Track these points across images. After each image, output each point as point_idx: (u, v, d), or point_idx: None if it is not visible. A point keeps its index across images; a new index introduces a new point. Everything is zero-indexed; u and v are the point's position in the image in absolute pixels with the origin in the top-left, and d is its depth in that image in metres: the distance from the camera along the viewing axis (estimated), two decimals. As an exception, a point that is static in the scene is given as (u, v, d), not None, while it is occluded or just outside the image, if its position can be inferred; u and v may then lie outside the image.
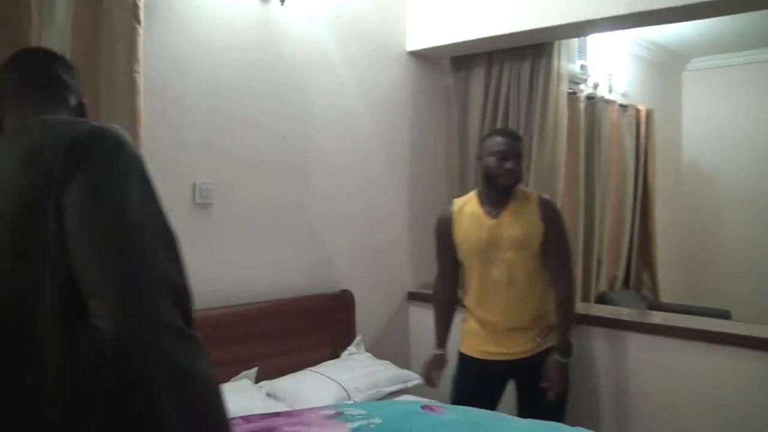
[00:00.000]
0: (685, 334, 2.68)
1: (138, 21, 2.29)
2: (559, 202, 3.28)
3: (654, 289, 4.78)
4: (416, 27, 3.48)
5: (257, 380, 2.61)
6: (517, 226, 2.51)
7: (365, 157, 3.31)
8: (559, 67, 3.38)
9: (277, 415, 1.86)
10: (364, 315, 3.21)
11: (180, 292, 0.94)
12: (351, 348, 3.00)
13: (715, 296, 4.78)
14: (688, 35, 4.78)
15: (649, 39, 4.96)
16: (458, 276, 2.71)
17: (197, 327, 2.58)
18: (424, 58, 3.58)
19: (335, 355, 2.96)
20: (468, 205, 2.61)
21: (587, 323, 2.88)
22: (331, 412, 1.76)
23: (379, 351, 3.08)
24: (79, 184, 0.91)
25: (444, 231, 2.64)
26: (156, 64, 2.45)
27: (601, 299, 4.21)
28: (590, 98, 4.32)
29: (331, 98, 3.13)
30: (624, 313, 3.15)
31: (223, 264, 2.71)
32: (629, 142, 4.68)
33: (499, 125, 3.43)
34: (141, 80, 2.31)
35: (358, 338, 3.06)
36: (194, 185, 2.61)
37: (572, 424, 2.42)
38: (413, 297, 3.55)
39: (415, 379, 2.82)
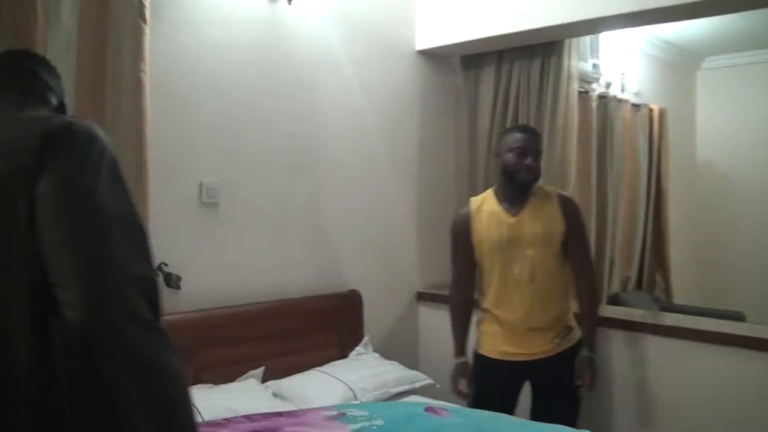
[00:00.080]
0: (699, 336, 2.64)
1: (144, 20, 2.29)
2: (570, 201, 3.24)
3: (667, 290, 4.73)
4: (425, 26, 3.47)
5: (264, 380, 2.61)
6: (539, 223, 2.49)
7: (374, 157, 3.30)
8: (569, 65, 3.35)
9: (279, 414, 1.85)
10: (373, 315, 3.19)
11: (148, 285, 0.94)
12: (359, 348, 2.98)
13: (728, 297, 4.72)
14: (702, 34, 4.73)
15: (662, 38, 4.91)
16: (474, 278, 2.65)
17: (201, 326, 2.59)
18: (434, 57, 3.57)
19: (343, 356, 2.95)
20: (486, 204, 2.58)
21: (600, 324, 2.84)
22: (334, 413, 1.75)
23: (387, 351, 3.07)
24: (50, 176, 0.91)
25: (462, 230, 2.59)
26: (162, 63, 2.45)
27: (614, 300, 4.16)
28: (602, 97, 4.28)
29: (339, 97, 3.12)
30: (637, 314, 3.11)
31: (230, 263, 2.70)
32: (642, 142, 4.63)
33: (509, 124, 3.40)
34: (147, 79, 2.31)
35: (366, 338, 3.04)
36: (201, 184, 2.61)
37: (586, 426, 2.40)
38: (422, 297, 3.53)
39: (422, 379, 2.80)
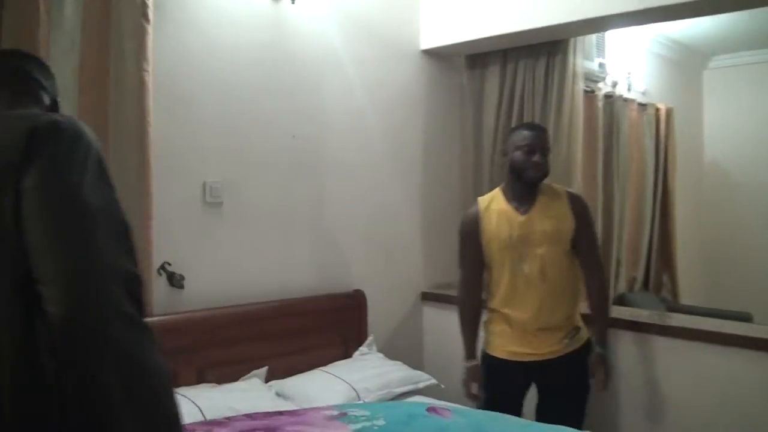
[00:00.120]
0: (705, 336, 2.62)
1: (147, 20, 2.30)
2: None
3: (674, 290, 4.71)
4: (430, 25, 3.46)
5: (267, 379, 2.60)
6: (549, 220, 2.48)
7: (378, 156, 3.29)
8: (574, 64, 3.33)
9: (280, 413, 1.84)
10: (377, 315, 3.18)
11: (131, 280, 0.94)
12: (363, 348, 2.97)
13: (735, 298, 4.68)
14: (708, 32, 4.70)
15: (669, 37, 4.89)
16: (483, 280, 2.62)
17: (204, 326, 2.59)
18: (438, 56, 3.56)
19: (347, 356, 2.94)
20: (494, 203, 2.56)
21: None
22: (335, 412, 1.74)
23: (391, 351, 3.06)
24: (36, 171, 0.92)
25: (471, 230, 2.56)
26: (165, 62, 2.45)
27: (621, 301, 4.14)
28: (609, 97, 4.27)
29: (342, 97, 3.11)
30: (643, 315, 3.09)
31: (233, 263, 2.70)
32: (649, 142, 4.61)
33: (514, 124, 3.38)
34: (150, 79, 2.32)
35: (370, 338, 3.03)
36: (204, 184, 2.61)
37: (592, 427, 2.39)
38: (427, 297, 3.52)
39: (426, 380, 2.79)
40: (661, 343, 2.72)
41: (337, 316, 3.00)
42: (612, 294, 4.06)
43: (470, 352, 2.62)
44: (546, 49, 3.33)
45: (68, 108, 2.18)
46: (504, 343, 2.53)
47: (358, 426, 1.63)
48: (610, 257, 4.08)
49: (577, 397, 2.56)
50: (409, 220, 3.48)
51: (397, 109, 3.39)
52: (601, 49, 4.21)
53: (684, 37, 4.91)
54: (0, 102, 1.13)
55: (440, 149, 3.60)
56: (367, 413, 1.73)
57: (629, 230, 4.39)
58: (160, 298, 2.43)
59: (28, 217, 0.90)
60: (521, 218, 2.48)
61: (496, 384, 2.56)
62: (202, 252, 2.61)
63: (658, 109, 4.71)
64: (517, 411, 2.50)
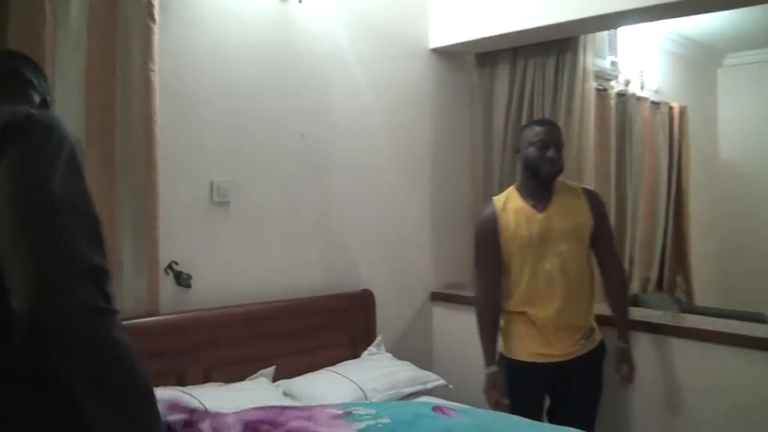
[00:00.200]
0: (718, 338, 2.58)
1: (153, 19, 2.30)
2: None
3: (688, 291, 4.65)
4: (439, 23, 3.44)
5: (275, 379, 2.59)
6: (567, 217, 2.46)
7: (386, 156, 3.28)
8: (584, 62, 3.30)
9: (284, 408, 1.85)
10: (386, 315, 3.17)
11: (99, 273, 0.94)
12: (371, 348, 2.96)
13: (751, 299, 4.62)
14: (722, 29, 4.65)
15: (682, 34, 4.84)
16: (500, 283, 2.55)
17: (211, 325, 2.58)
18: (448, 54, 3.54)
19: (355, 356, 2.92)
20: (510, 202, 2.53)
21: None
22: (340, 411, 1.73)
23: (400, 352, 3.04)
24: (6, 163, 0.93)
25: (490, 230, 2.51)
26: (172, 62, 2.45)
27: (634, 302, 4.10)
28: (621, 95, 4.24)
29: (350, 97, 3.10)
30: (657, 316, 3.05)
31: (241, 262, 2.70)
32: (662, 141, 4.57)
33: (524, 122, 3.35)
34: (156, 78, 2.32)
35: (379, 338, 3.02)
36: (212, 183, 2.61)
37: (605, 428, 2.36)
38: (436, 297, 3.49)
39: (435, 380, 2.77)
40: (674, 344, 2.69)
41: (345, 316, 2.99)
42: (625, 294, 4.02)
43: (491, 358, 2.53)
44: (556, 47, 3.31)
45: (75, 108, 2.19)
46: (527, 345, 2.48)
47: (363, 425, 1.62)
48: (623, 257, 4.04)
49: (590, 400, 2.54)
50: (419, 219, 3.46)
51: (406, 109, 3.37)
52: (613, 48, 4.17)
53: (697, 34, 4.86)
54: None
55: (449, 148, 3.58)
56: (372, 411, 1.71)
57: (643, 229, 4.35)
58: (167, 297, 2.43)
59: None
60: (540, 216, 2.46)
61: (522, 389, 2.49)
62: (209, 251, 2.60)
63: (671, 108, 4.67)
64: (539, 415, 2.48)
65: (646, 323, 2.77)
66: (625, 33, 4.26)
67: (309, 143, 2.94)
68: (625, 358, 2.55)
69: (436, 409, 1.83)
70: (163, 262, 2.42)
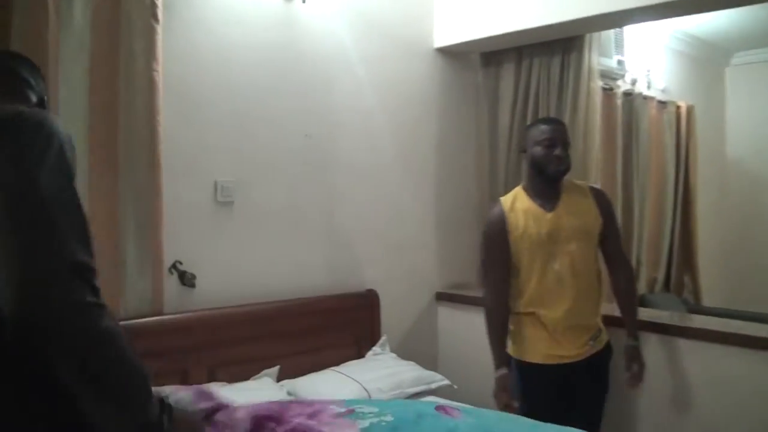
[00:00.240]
0: (725, 338, 2.56)
1: (156, 19, 2.31)
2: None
3: (695, 292, 4.62)
4: (444, 23, 3.44)
5: (279, 379, 2.59)
6: (576, 216, 2.46)
7: (391, 155, 3.27)
8: (590, 61, 3.29)
9: (291, 402, 1.86)
10: (391, 315, 3.16)
11: (86, 270, 0.94)
12: (376, 348, 2.95)
13: (757, 298, 4.59)
14: (730, 28, 4.62)
15: (688, 33, 4.81)
16: (509, 284, 2.53)
17: (216, 325, 2.58)
18: (452, 54, 3.53)
19: (360, 356, 2.92)
20: (518, 202, 2.52)
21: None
22: (343, 409, 1.72)
23: (405, 352, 3.04)
24: None
25: (498, 231, 2.49)
26: (176, 62, 2.46)
27: (641, 302, 4.05)
28: (628, 95, 4.22)
29: (354, 96, 3.10)
30: (664, 316, 3.04)
31: (245, 262, 2.70)
32: (669, 140, 4.55)
33: (529, 122, 3.34)
34: (160, 79, 2.33)
35: (383, 338, 3.01)
36: (216, 183, 2.61)
37: (610, 428, 2.33)
38: (441, 297, 3.49)
39: (439, 380, 2.76)
40: (680, 344, 2.67)
41: (349, 316, 2.99)
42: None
43: (501, 361, 2.50)
44: (561, 45, 3.30)
45: (78, 108, 2.20)
46: (539, 346, 2.47)
47: (366, 423, 1.61)
48: (630, 257, 4.01)
49: (596, 400, 2.53)
50: (423, 219, 3.45)
51: (411, 108, 3.36)
52: (619, 47, 4.15)
53: (704, 33, 4.83)
54: None
55: (455, 148, 3.57)
56: (375, 410, 1.71)
57: (650, 229, 4.33)
58: (171, 297, 2.43)
59: None
60: (548, 215, 2.45)
61: (535, 391, 2.47)
62: (213, 251, 2.61)
63: (678, 107, 4.64)
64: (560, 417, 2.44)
65: (654, 324, 2.76)
66: (631, 32, 4.25)
67: (313, 143, 2.94)
68: (636, 355, 2.53)
69: (440, 408, 1.82)
70: (167, 262, 2.42)
